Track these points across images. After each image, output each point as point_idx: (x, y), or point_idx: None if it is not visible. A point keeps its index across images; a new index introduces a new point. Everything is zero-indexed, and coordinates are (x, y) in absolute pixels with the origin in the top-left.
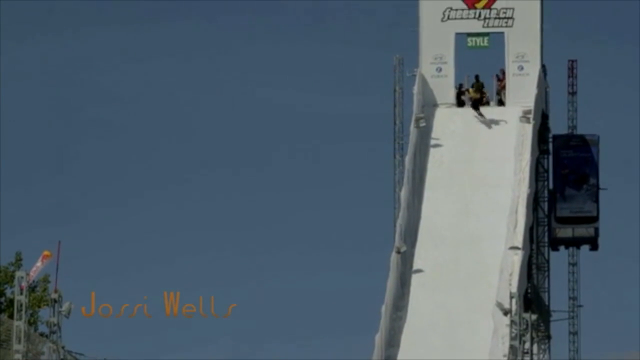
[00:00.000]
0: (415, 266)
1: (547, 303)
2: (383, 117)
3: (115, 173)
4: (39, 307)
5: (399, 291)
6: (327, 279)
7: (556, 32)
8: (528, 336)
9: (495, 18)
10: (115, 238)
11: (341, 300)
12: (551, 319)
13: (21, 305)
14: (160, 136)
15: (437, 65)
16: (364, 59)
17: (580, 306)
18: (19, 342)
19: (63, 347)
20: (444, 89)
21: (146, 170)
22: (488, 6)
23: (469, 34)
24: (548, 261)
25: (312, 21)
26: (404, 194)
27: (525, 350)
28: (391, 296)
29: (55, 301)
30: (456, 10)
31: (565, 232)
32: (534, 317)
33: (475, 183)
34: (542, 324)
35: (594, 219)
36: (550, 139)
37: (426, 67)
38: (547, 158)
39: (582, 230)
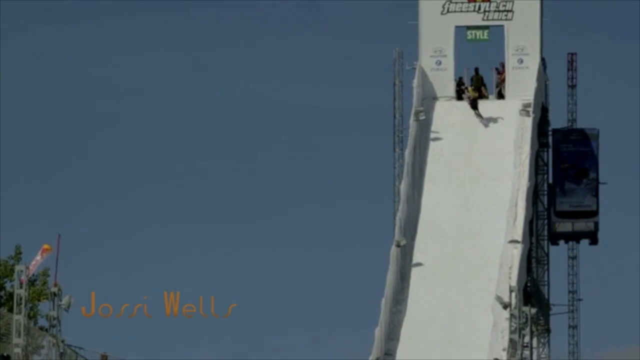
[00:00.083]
0: (415, 260)
1: (546, 297)
2: (383, 111)
3: (115, 167)
4: (39, 300)
5: (399, 285)
6: (327, 273)
7: (556, 25)
8: (527, 330)
9: (495, 11)
10: (115, 231)
11: (341, 294)
12: (551, 312)
13: (21, 299)
14: (160, 131)
15: (436, 59)
16: (363, 52)
17: (579, 300)
18: (19, 335)
19: (63, 341)
20: (444, 82)
21: (146, 165)
22: None
23: (469, 27)
24: (548, 255)
25: (311, 14)
26: (403, 187)
27: (525, 344)
28: (391, 290)
29: (54, 295)
30: (456, 3)
31: (565, 226)
32: (533, 310)
33: (475, 176)
34: (541, 318)
35: (594, 213)
36: (550, 133)
37: (426, 60)
38: (547, 151)
39: (582, 225)
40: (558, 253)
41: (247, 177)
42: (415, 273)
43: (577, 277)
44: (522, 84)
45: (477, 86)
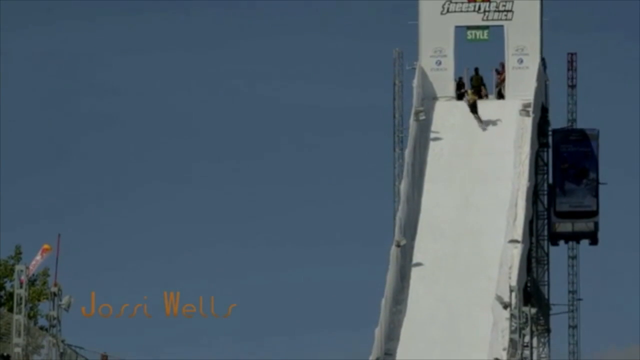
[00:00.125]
0: (415, 259)
1: (546, 296)
2: (383, 110)
3: (115, 167)
4: (39, 300)
5: (399, 285)
6: (327, 273)
7: (556, 25)
8: (528, 330)
9: (494, 11)
10: (115, 231)
11: (341, 294)
12: (551, 312)
13: (21, 298)
14: (160, 131)
15: (436, 59)
16: (363, 52)
17: (579, 300)
18: (19, 335)
19: (63, 341)
20: (444, 82)
21: (146, 165)
22: None
23: (469, 27)
24: (548, 254)
25: (311, 14)
26: (403, 187)
27: (525, 344)
28: (391, 290)
29: (54, 295)
30: (456, 3)
31: (564, 226)
32: (533, 310)
33: (475, 176)
34: (541, 318)
35: (594, 214)
36: (550, 133)
37: (426, 60)
38: (547, 151)
39: (582, 225)
40: (558, 253)
41: (247, 177)
42: (415, 273)
43: (577, 277)
44: (522, 84)
45: (477, 86)
